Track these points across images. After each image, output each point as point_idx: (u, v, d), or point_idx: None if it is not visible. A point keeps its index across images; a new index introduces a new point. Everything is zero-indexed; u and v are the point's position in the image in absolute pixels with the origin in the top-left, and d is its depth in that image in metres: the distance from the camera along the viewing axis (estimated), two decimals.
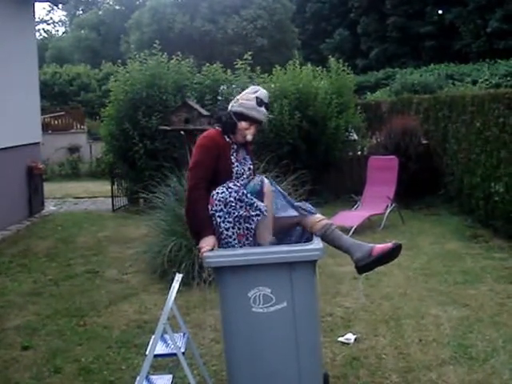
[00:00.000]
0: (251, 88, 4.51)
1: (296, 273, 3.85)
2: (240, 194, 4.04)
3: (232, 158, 4.29)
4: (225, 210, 4.05)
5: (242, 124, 4.31)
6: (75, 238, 10.64)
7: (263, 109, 4.36)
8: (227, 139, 4.34)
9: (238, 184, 4.12)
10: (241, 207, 4.04)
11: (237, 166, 4.29)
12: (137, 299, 7.12)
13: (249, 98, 4.38)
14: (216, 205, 4.06)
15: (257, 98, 4.35)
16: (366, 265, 4.15)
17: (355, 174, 13.34)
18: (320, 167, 12.89)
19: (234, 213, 4.04)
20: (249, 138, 4.34)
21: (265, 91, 4.45)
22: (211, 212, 4.08)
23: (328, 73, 14.00)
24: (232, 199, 4.04)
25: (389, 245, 4.14)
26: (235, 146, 4.36)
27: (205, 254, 3.95)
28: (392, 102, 16.87)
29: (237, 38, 38.28)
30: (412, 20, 42.97)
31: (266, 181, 4.24)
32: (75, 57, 47.01)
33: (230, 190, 4.06)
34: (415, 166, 11.97)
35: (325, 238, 4.20)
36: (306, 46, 47.12)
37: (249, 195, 4.06)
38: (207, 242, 4.00)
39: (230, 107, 4.45)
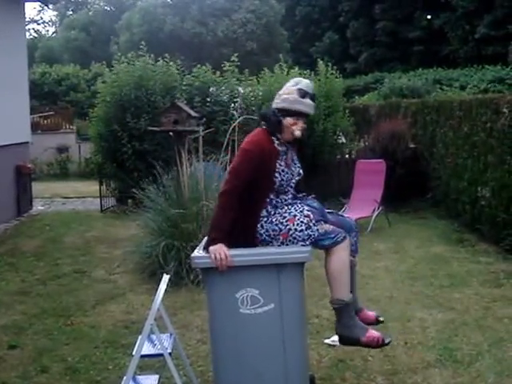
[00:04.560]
0: (292, 80, 4.26)
1: (284, 275, 3.87)
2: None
3: (281, 164, 4.15)
4: (305, 232, 4.01)
5: (288, 120, 4.13)
6: (63, 237, 10.62)
7: (308, 100, 4.14)
8: (276, 142, 4.17)
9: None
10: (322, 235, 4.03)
11: (286, 173, 4.16)
12: (124, 299, 7.12)
13: (290, 90, 4.16)
14: (298, 224, 4.02)
15: (299, 89, 4.13)
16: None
17: (343, 177, 13.34)
18: (308, 170, 12.85)
19: (313, 235, 4.00)
20: (297, 133, 4.16)
21: (307, 81, 4.23)
22: (291, 231, 4.03)
23: (316, 76, 14.03)
24: (315, 234, 4.02)
25: (379, 340, 4.15)
26: (285, 149, 4.21)
27: (193, 255, 3.97)
28: (380, 105, 16.91)
29: (227, 40, 38.34)
30: (401, 25, 43.09)
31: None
32: (65, 57, 46.85)
33: (313, 222, 4.03)
34: (403, 170, 12.00)
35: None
36: (296, 49, 47.15)
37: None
38: (220, 250, 3.85)
39: (273, 104, 4.24)
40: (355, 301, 4.35)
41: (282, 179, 4.13)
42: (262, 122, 4.25)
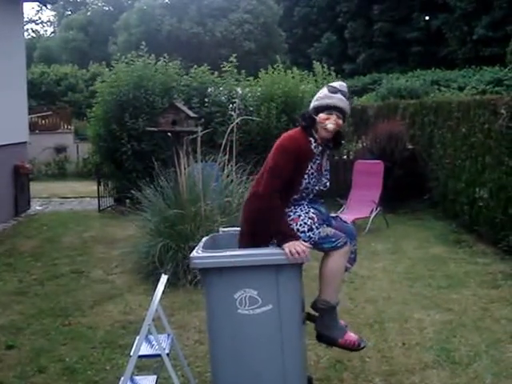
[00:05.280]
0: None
1: (282, 275, 3.87)
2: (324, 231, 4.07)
3: (312, 167, 4.12)
4: (307, 234, 4.03)
5: (320, 116, 4.10)
6: (61, 237, 10.62)
7: (339, 95, 4.11)
8: (313, 143, 4.14)
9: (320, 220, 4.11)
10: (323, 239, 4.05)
11: (314, 178, 4.14)
12: (122, 300, 7.11)
13: (322, 90, 4.22)
14: (301, 225, 4.05)
15: (328, 85, 4.19)
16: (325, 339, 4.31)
17: (341, 177, 13.32)
18: None
19: (313, 238, 4.02)
20: (330, 126, 4.07)
21: (340, 82, 4.27)
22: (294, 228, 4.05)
23: (314, 77, 14.04)
24: (316, 237, 4.05)
25: (355, 343, 4.23)
26: (320, 152, 4.19)
27: (191, 255, 3.96)
28: (378, 106, 16.92)
29: (224, 41, 38.35)
30: (399, 26, 43.21)
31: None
32: (63, 57, 46.83)
33: (316, 225, 4.06)
34: (400, 171, 11.99)
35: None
36: (294, 50, 47.23)
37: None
38: (302, 247, 3.86)
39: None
40: None
41: (309, 182, 4.13)
42: (301, 122, 4.24)
